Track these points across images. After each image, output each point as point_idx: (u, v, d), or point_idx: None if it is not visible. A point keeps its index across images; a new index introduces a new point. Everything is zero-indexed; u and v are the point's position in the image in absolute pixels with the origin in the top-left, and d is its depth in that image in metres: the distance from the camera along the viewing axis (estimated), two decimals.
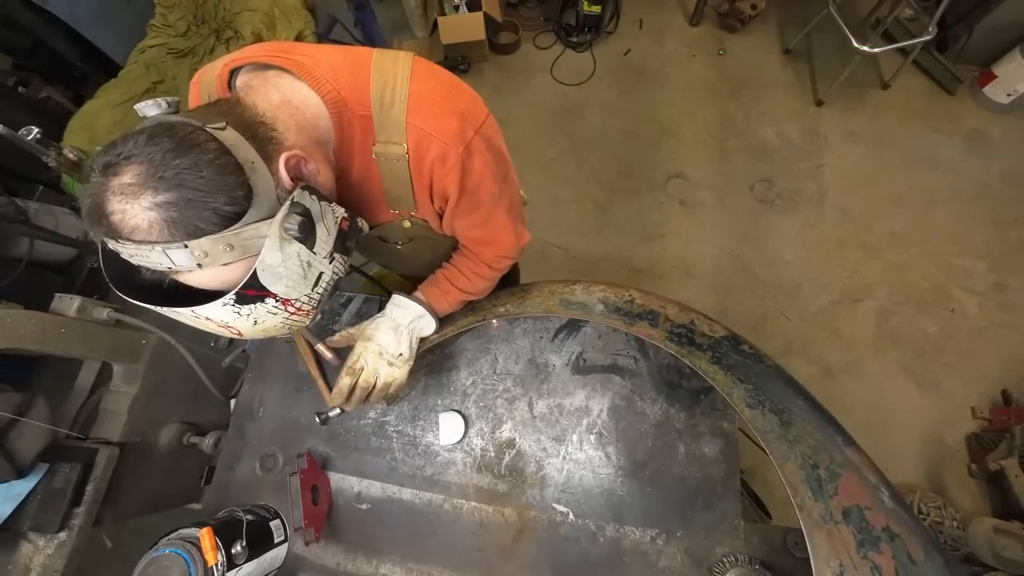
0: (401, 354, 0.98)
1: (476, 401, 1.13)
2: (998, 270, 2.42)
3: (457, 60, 3.07)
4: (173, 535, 0.86)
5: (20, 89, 2.93)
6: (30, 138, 1.34)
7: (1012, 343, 2.28)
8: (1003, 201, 2.54)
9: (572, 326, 1.16)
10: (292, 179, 0.62)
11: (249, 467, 1.13)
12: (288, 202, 0.60)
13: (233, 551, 0.87)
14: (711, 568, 0.96)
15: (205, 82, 0.74)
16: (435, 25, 3.07)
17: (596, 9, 2.95)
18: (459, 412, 1.11)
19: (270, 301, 0.63)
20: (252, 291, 0.60)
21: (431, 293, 1.00)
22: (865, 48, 2.45)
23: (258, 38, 3.02)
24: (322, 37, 3.12)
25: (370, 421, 1.14)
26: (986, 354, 2.27)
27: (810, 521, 0.74)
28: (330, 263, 0.69)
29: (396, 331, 0.98)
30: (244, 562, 0.89)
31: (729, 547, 0.97)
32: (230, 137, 0.56)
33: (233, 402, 1.21)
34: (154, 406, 1.26)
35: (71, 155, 1.43)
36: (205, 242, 0.53)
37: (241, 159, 0.56)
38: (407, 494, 1.08)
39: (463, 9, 2.91)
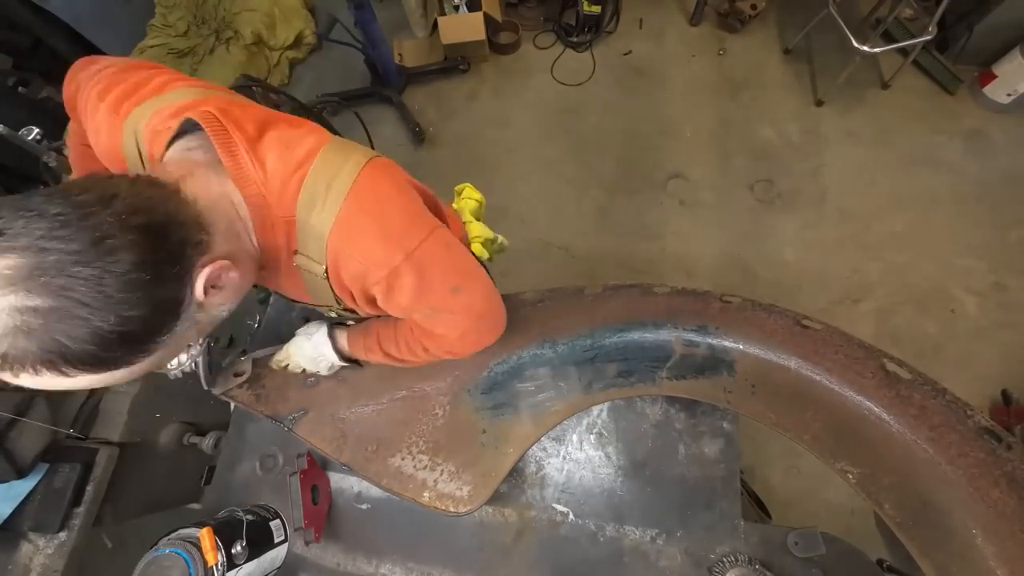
0: (319, 373, 1.06)
1: None
2: (998, 270, 2.41)
3: (457, 60, 3.07)
4: (173, 535, 0.86)
5: (20, 89, 2.93)
6: (30, 138, 1.34)
7: (1012, 343, 2.28)
8: (1003, 201, 2.54)
9: None
10: (205, 293, 0.56)
11: (249, 467, 1.13)
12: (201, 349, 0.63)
13: (233, 551, 0.87)
14: (711, 568, 0.96)
15: (132, 124, 0.67)
16: (435, 25, 3.08)
17: (596, 9, 2.95)
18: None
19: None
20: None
21: (356, 343, 0.98)
22: (865, 48, 2.45)
23: (258, 38, 3.03)
24: (322, 37, 3.13)
25: None
26: (986, 354, 2.27)
27: None
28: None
29: (315, 360, 1.03)
30: (244, 562, 0.89)
31: (729, 547, 0.97)
32: (147, 242, 0.49)
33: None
34: (154, 406, 1.27)
35: None
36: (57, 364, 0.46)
37: (160, 272, 0.49)
38: None
39: (463, 9, 2.91)
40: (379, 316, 0.92)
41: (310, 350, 1.02)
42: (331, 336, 1.00)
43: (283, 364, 1.08)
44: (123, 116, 0.68)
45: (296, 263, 0.70)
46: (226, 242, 0.60)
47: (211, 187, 0.61)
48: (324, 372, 1.06)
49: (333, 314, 0.93)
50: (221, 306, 0.61)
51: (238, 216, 0.63)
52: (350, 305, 0.80)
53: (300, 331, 1.06)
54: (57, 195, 0.46)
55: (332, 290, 0.73)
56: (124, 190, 0.50)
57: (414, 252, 0.67)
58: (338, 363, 1.03)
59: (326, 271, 0.69)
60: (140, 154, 0.68)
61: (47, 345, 0.44)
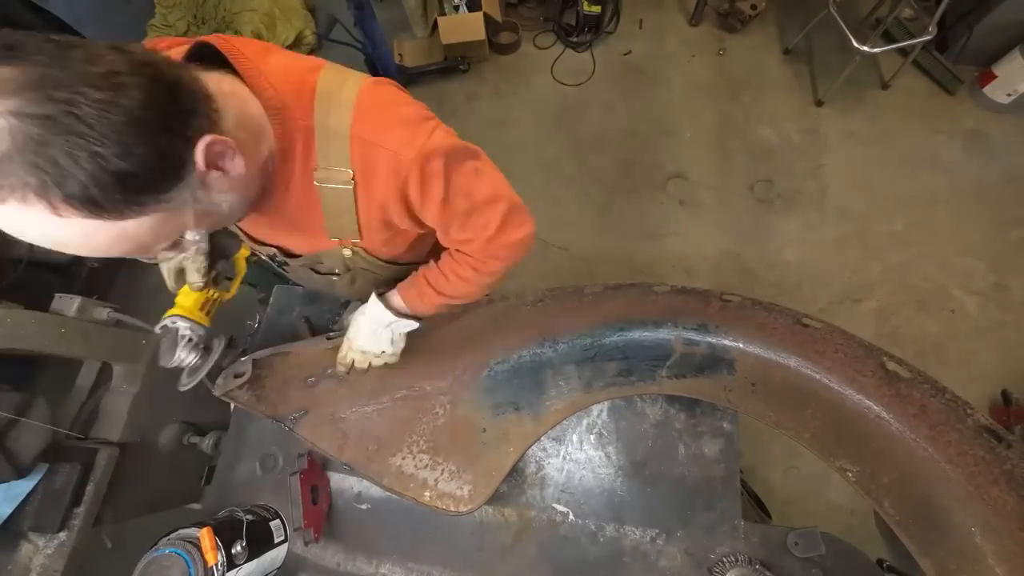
0: (383, 351, 0.97)
1: None
2: (998, 270, 2.41)
3: (457, 60, 3.07)
4: (173, 535, 0.86)
5: None
6: None
7: (1012, 343, 2.28)
8: (1003, 201, 2.54)
9: None
10: (207, 167, 0.54)
11: (249, 467, 1.13)
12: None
13: (233, 551, 0.87)
14: (711, 568, 0.96)
15: None
16: (435, 25, 3.08)
17: (596, 9, 2.95)
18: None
19: None
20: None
21: (409, 295, 0.93)
22: (865, 48, 2.45)
23: (258, 38, 3.03)
24: (322, 37, 3.13)
25: None
26: (986, 354, 2.27)
27: None
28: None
29: (375, 333, 0.95)
30: (244, 562, 0.89)
31: (729, 547, 0.97)
32: (157, 90, 0.47)
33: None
34: (154, 406, 1.27)
35: None
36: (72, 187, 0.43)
37: (167, 121, 0.48)
38: None
39: (463, 9, 2.91)
40: (397, 264, 0.93)
41: (367, 324, 0.95)
42: (383, 298, 0.94)
43: (348, 359, 0.99)
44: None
45: (316, 180, 0.68)
46: (237, 130, 0.59)
47: (222, 85, 0.59)
48: (389, 348, 0.96)
49: (348, 252, 0.86)
50: (222, 195, 0.59)
51: (250, 115, 0.62)
52: (369, 238, 0.79)
53: (347, 315, 1.02)
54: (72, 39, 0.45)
55: (356, 211, 0.71)
56: (138, 48, 0.49)
57: (434, 133, 0.68)
58: (400, 323, 0.94)
59: (353, 179, 0.67)
60: None
61: (43, 163, 0.41)
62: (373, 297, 0.95)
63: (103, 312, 1.17)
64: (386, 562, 1.04)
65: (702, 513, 1.00)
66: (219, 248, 0.99)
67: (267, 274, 2.21)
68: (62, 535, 1.03)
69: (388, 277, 0.97)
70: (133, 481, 1.21)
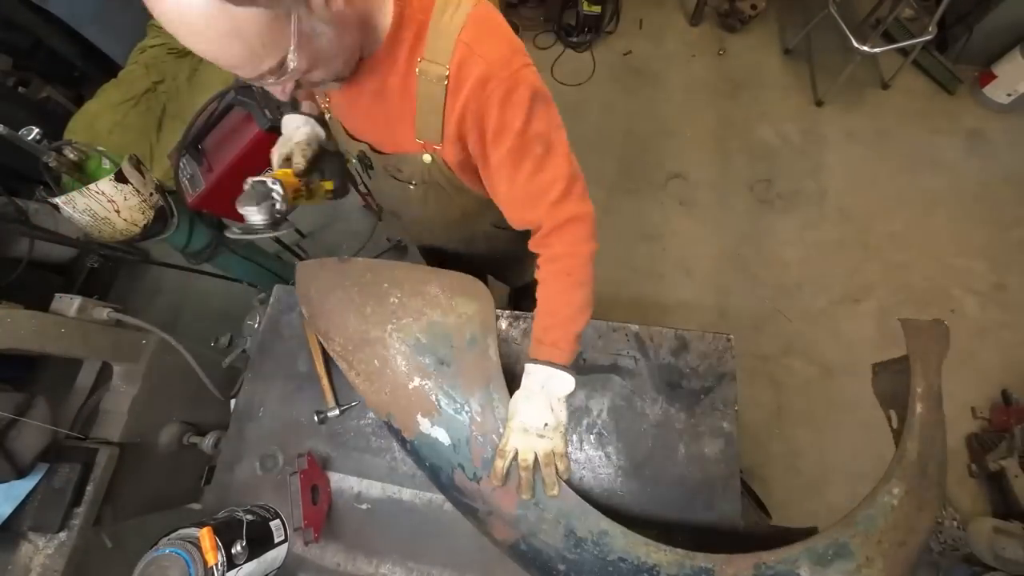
0: (546, 423, 0.88)
1: None
2: (998, 270, 2.42)
3: None
4: (173, 535, 0.86)
5: (20, 89, 2.93)
6: (30, 138, 1.34)
7: (1012, 343, 2.28)
8: (1003, 201, 2.54)
9: None
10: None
11: (249, 467, 1.13)
12: None
13: (233, 551, 0.87)
14: None
15: None
16: None
17: (596, 9, 2.95)
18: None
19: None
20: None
21: (539, 350, 0.89)
22: (865, 48, 2.45)
23: None
24: None
25: (370, 421, 1.14)
26: (986, 354, 2.27)
27: None
28: None
29: (529, 400, 0.89)
30: (244, 562, 0.89)
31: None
32: None
33: (233, 402, 1.21)
34: (154, 406, 1.27)
35: (71, 155, 1.43)
36: None
37: None
38: (407, 494, 1.08)
39: None
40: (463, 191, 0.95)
41: (520, 393, 0.91)
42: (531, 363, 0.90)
43: (510, 455, 0.89)
44: None
45: (418, 69, 0.73)
46: None
47: None
48: (546, 415, 0.88)
49: (428, 158, 0.85)
50: (322, 25, 0.62)
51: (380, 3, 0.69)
52: (448, 148, 0.81)
53: (511, 403, 0.92)
54: None
55: (444, 111, 0.75)
56: None
57: (529, 67, 0.73)
58: (547, 374, 0.88)
59: (447, 77, 0.71)
60: None
61: None
62: (525, 364, 0.91)
63: (103, 312, 1.17)
64: (386, 562, 1.04)
65: (702, 513, 1.00)
66: (324, 158, 1.06)
67: (267, 273, 2.22)
68: (62, 535, 1.03)
69: (460, 205, 1.00)
70: (133, 481, 1.21)
